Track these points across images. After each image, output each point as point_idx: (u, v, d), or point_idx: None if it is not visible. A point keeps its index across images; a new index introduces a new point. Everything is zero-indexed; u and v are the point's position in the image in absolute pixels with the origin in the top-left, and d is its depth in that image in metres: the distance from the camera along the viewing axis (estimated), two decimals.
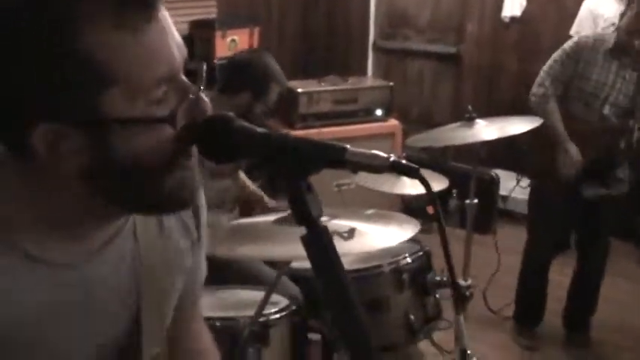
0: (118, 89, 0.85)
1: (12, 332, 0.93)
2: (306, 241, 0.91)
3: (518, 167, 4.84)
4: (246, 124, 0.94)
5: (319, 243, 0.91)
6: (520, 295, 3.73)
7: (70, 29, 0.83)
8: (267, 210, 3.18)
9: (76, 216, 0.96)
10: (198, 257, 1.22)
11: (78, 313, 1.00)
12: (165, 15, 0.90)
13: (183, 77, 0.92)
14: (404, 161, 0.86)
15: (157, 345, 1.14)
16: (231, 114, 0.96)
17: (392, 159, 0.85)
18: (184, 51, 0.93)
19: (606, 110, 3.28)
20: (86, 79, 0.84)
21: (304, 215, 0.91)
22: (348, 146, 0.88)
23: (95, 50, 0.83)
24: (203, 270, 1.27)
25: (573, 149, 3.31)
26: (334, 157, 0.88)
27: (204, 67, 0.98)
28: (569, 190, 3.39)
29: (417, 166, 0.84)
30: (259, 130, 0.94)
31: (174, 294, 1.16)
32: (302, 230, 0.91)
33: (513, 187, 4.76)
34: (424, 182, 0.84)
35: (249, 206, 3.43)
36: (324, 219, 0.91)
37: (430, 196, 0.85)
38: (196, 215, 1.18)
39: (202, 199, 1.19)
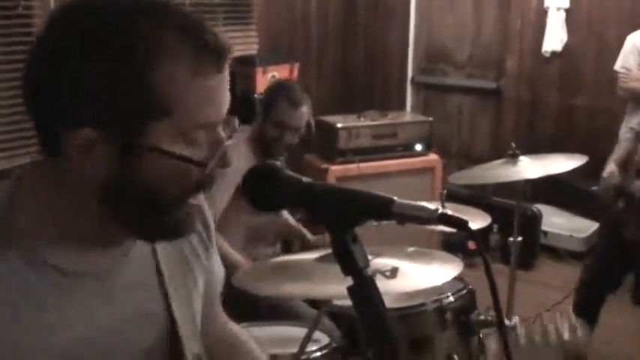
0: (168, 122, 0.91)
1: (55, 348, 0.96)
2: (352, 292, 0.92)
3: (587, 210, 4.79)
4: (291, 173, 0.96)
5: (366, 294, 0.92)
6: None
7: (153, 56, 0.89)
8: (307, 245, 3.18)
9: (94, 233, 0.99)
10: (212, 260, 1.26)
11: (119, 321, 1.03)
12: (227, 70, 0.95)
13: (221, 130, 0.97)
14: (451, 213, 0.86)
15: (196, 343, 1.16)
16: (277, 163, 0.98)
17: (440, 212, 0.85)
18: (228, 104, 0.98)
19: None
20: (145, 103, 0.89)
21: (350, 267, 0.92)
22: (396, 198, 0.88)
23: (164, 82, 0.89)
24: (220, 272, 1.31)
25: (610, 167, 3.33)
26: (381, 209, 0.89)
27: (236, 121, 1.04)
28: (614, 232, 3.37)
29: (465, 220, 0.84)
30: (304, 180, 0.95)
31: (197, 293, 1.19)
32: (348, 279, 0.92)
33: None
34: (474, 236, 0.85)
35: (289, 241, 3.43)
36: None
37: (479, 249, 0.84)
38: (206, 226, 1.22)
39: (208, 211, 1.24)
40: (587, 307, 3.61)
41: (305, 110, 3.09)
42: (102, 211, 0.96)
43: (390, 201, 0.88)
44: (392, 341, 0.92)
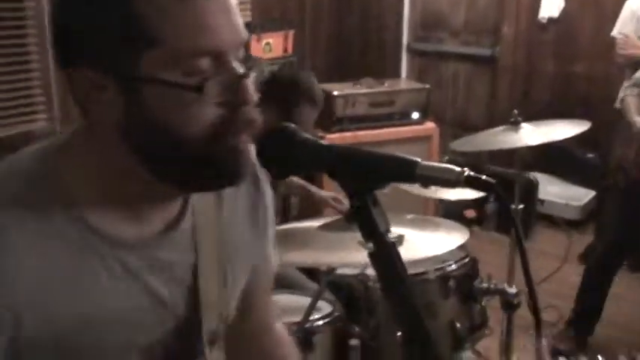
0: (161, 51, 0.86)
1: (85, 315, 0.94)
2: (373, 256, 0.89)
3: (583, 178, 4.78)
4: (309, 136, 0.93)
5: (387, 259, 0.89)
6: (577, 302, 3.63)
7: None
8: (314, 200, 3.07)
9: (134, 192, 0.96)
10: (265, 246, 1.21)
11: (144, 293, 1.00)
12: None
13: (233, 59, 0.90)
14: (477, 175, 0.83)
15: (216, 321, 1.11)
16: (293, 126, 0.94)
17: (466, 173, 0.82)
18: (241, 35, 0.92)
19: None
20: (131, 34, 0.86)
21: (371, 231, 0.89)
22: (419, 160, 0.85)
23: (146, 9, 0.85)
24: (272, 263, 1.26)
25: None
26: (404, 171, 0.86)
27: (264, 68, 1.00)
28: (634, 194, 3.33)
29: (492, 181, 0.81)
30: (323, 142, 0.92)
31: (235, 281, 1.15)
32: (358, 237, 0.90)
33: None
34: (501, 198, 0.82)
35: (286, 209, 3.36)
36: None
37: (510, 215, 0.82)
38: (265, 209, 1.18)
39: (269, 195, 1.19)
40: (601, 280, 3.57)
41: None
42: (140, 168, 0.93)
43: (414, 163, 0.85)
44: (413, 306, 0.90)
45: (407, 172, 0.85)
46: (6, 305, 0.88)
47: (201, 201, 1.07)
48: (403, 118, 4.46)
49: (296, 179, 3.13)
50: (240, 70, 0.91)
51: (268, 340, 1.30)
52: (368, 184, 0.88)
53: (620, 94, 3.49)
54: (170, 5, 0.85)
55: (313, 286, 2.64)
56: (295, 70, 3.53)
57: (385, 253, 0.89)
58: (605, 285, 3.54)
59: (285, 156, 0.92)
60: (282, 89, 2.90)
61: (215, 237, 1.09)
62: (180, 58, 0.86)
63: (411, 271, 2.36)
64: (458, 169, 0.83)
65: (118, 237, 0.96)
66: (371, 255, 0.89)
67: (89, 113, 0.92)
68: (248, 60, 0.93)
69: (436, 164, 0.85)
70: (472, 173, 0.83)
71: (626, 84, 3.51)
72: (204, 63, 0.88)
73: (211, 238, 1.08)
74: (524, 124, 2.84)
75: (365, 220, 0.89)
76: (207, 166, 0.92)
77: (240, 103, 0.90)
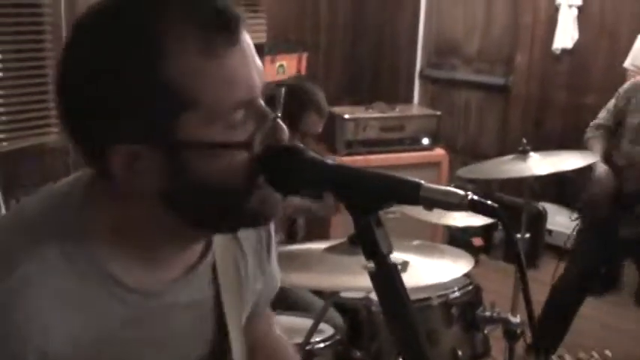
0: (196, 113, 0.86)
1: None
2: (374, 277, 0.89)
3: (567, 200, 4.74)
4: (315, 155, 0.93)
5: (388, 280, 0.89)
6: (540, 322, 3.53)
7: (156, 52, 0.84)
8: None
9: (157, 239, 0.96)
10: (272, 265, 1.23)
11: (160, 339, 1.00)
12: (247, 39, 0.90)
13: (262, 102, 0.92)
14: (481, 199, 0.83)
15: (241, 349, 1.13)
16: (301, 145, 0.95)
17: (470, 197, 0.82)
18: (263, 75, 0.93)
19: None
20: (164, 102, 0.85)
21: (373, 251, 0.89)
22: (423, 182, 0.85)
23: (176, 74, 0.84)
24: (277, 278, 1.28)
25: (602, 169, 3.22)
26: (408, 193, 0.86)
27: (282, 92, 0.99)
28: (607, 228, 3.30)
29: (496, 206, 0.81)
30: (329, 162, 0.92)
31: (246, 309, 1.18)
32: (363, 261, 0.90)
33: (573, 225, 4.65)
34: (505, 223, 0.82)
35: (293, 231, 3.35)
36: None
37: (512, 240, 0.81)
38: (268, 233, 1.20)
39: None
40: (565, 305, 3.53)
41: None
42: (166, 216, 0.93)
43: (418, 185, 0.85)
44: (413, 329, 0.89)
45: (410, 193, 0.85)
46: (34, 351, 0.87)
47: (221, 235, 1.08)
48: (413, 144, 4.48)
49: (298, 200, 3.13)
50: (271, 112, 0.92)
51: (269, 343, 1.33)
52: (372, 204, 0.88)
53: (586, 135, 3.45)
54: (200, 66, 0.85)
55: (319, 303, 2.64)
56: (302, 80, 3.56)
57: (386, 274, 0.88)
58: (568, 310, 3.51)
59: (292, 173, 0.92)
60: (290, 98, 2.93)
61: (233, 268, 1.11)
62: (218, 115, 0.87)
63: (413, 297, 2.37)
64: (462, 192, 0.83)
65: (140, 286, 0.96)
66: (372, 275, 0.89)
67: (125, 184, 0.90)
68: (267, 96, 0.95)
69: (440, 187, 0.85)
70: (476, 197, 0.83)
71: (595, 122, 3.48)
72: (240, 114, 0.89)
73: (230, 269, 1.10)
74: (532, 154, 2.84)
75: (367, 240, 0.88)
76: (249, 211, 0.94)
77: (279, 142, 0.93)
